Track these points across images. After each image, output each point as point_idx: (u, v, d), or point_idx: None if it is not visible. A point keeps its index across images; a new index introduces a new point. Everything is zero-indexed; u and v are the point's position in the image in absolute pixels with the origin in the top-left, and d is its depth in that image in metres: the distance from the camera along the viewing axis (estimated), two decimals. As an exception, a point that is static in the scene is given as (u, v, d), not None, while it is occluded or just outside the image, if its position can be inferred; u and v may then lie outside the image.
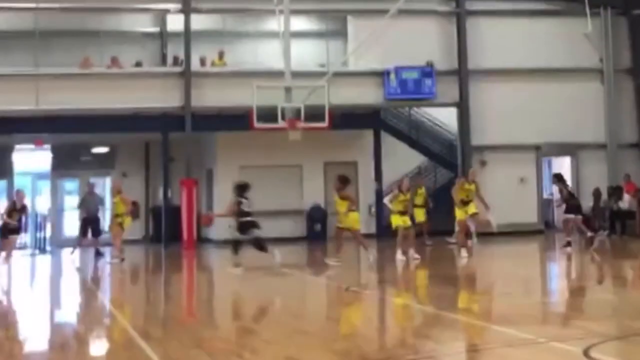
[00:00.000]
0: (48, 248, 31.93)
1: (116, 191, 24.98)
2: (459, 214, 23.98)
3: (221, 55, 33.19)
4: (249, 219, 20.92)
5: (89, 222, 27.92)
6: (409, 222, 23.31)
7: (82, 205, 28.46)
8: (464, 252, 23.03)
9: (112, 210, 25.28)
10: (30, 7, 30.99)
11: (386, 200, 23.98)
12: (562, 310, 14.07)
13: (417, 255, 22.67)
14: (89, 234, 27.77)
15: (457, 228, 24.82)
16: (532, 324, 12.00)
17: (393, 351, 10.26)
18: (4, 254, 24.25)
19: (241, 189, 21.35)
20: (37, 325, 13.82)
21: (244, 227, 20.91)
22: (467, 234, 24.61)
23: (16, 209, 24.69)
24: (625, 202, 31.09)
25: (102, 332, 12.88)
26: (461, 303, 14.80)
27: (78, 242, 28.34)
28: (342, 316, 13.88)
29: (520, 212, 32.78)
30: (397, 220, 23.14)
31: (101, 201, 29.28)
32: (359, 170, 33.54)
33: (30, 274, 24.89)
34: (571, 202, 25.18)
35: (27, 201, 35.68)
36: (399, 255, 22.57)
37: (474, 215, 24.19)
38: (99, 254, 27.03)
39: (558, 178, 25.65)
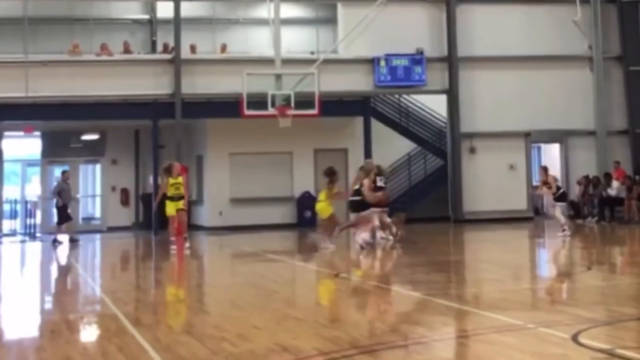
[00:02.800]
0: (38, 234, 31.90)
1: (177, 173, 23.41)
2: None
3: (223, 48, 33.23)
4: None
5: (66, 210, 28.29)
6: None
7: (60, 193, 28.49)
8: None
9: (165, 192, 23.24)
10: (19, -6, 30.92)
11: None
12: (550, 297, 14.13)
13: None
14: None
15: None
16: (521, 310, 12.06)
17: (383, 337, 10.29)
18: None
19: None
20: (27, 311, 13.83)
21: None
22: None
23: None
24: (614, 188, 31.18)
25: (92, 318, 12.90)
26: (451, 289, 14.85)
27: (57, 231, 28.40)
28: (332, 302, 13.92)
29: (509, 199, 32.87)
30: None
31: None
32: (349, 157, 33.55)
33: (21, 260, 24.88)
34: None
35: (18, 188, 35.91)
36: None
37: None
38: (74, 241, 27.81)
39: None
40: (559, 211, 25.46)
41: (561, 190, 26.17)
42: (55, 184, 30.09)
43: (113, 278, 19.37)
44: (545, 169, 26.58)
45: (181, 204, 23.21)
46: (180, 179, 23.22)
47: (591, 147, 34.06)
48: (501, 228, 28.96)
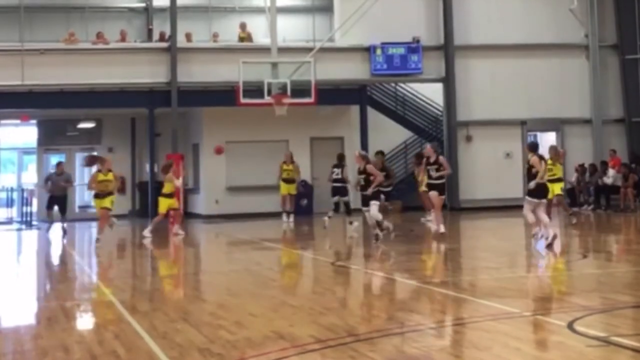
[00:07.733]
0: (34, 223, 31.87)
1: (107, 169, 23.09)
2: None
3: (215, 37, 33.25)
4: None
5: (55, 201, 27.42)
6: (293, 190, 29.01)
7: (47, 184, 27.89)
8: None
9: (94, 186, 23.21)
10: (15, -18, 30.88)
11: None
12: (546, 284, 14.17)
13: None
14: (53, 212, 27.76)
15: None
16: (517, 297, 12.08)
17: (379, 325, 10.32)
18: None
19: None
20: (24, 299, 13.85)
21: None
22: None
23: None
24: (610, 176, 31.19)
25: (89, 306, 12.93)
26: (447, 277, 14.88)
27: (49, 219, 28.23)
28: (329, 290, 13.94)
29: (505, 187, 32.84)
30: (284, 189, 28.48)
31: (68, 180, 28.53)
32: (345, 145, 33.52)
33: (17, 248, 24.88)
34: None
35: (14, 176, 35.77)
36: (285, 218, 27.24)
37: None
38: (64, 232, 26.73)
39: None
40: (542, 210, 22.72)
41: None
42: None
43: (110, 266, 19.37)
44: (555, 150, 24.28)
45: (107, 201, 22.81)
46: (110, 176, 22.86)
47: (587, 136, 34.08)
48: (497, 216, 28.98)
